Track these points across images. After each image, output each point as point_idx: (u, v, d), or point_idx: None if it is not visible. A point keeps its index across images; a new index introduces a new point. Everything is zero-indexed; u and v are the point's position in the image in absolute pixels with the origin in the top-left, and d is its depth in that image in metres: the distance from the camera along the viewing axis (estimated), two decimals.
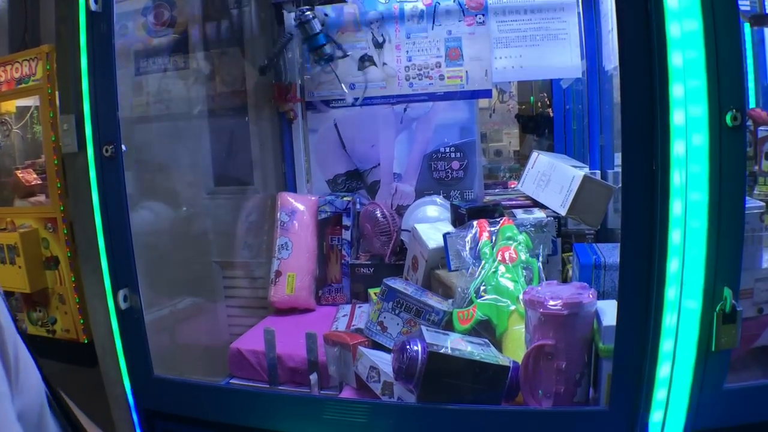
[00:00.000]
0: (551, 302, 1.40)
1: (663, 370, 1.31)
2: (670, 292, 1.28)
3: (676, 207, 1.26)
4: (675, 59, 1.24)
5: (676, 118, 1.25)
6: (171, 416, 1.75)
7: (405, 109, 2.53)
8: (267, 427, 1.61)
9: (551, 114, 2.73)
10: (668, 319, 1.29)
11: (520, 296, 1.66)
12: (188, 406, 1.73)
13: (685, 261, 1.27)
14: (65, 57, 1.67)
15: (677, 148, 1.25)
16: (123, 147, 1.65)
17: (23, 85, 2.37)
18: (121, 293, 1.67)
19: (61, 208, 2.34)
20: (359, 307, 2.28)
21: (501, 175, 3.16)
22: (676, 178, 1.26)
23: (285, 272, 2.42)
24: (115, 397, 1.80)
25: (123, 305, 1.68)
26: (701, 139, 1.24)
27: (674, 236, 1.27)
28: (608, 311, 1.43)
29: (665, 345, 1.30)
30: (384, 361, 1.63)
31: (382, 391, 1.59)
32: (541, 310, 1.40)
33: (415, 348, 1.42)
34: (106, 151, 1.63)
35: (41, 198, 2.53)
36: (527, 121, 3.56)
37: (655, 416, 1.33)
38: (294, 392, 1.89)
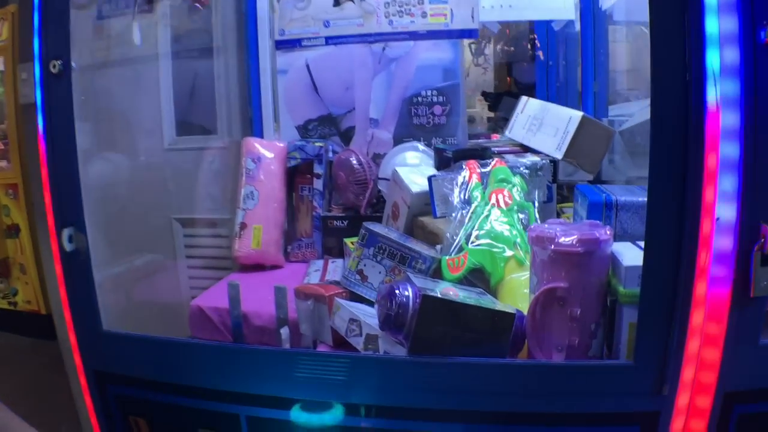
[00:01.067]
0: (564, 238, 1.21)
1: (696, 319, 1.14)
2: (705, 227, 1.11)
3: (712, 126, 1.09)
4: None
5: (709, 26, 1.08)
6: (124, 378, 1.53)
7: (383, 49, 2.32)
8: (232, 388, 1.41)
9: (538, 57, 2.54)
10: (702, 258, 1.11)
11: (517, 241, 1.49)
12: (142, 365, 1.51)
13: (718, 193, 1.10)
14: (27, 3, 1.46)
15: (712, 59, 1.08)
16: (72, 65, 1.43)
17: None
18: (65, 233, 1.45)
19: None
20: (332, 262, 2.08)
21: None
22: (711, 94, 1.07)
23: (251, 224, 2.20)
24: (71, 366, 1.59)
25: (68, 246, 1.45)
26: (734, 56, 1.08)
27: (710, 161, 1.09)
28: (626, 253, 1.27)
29: (699, 288, 1.12)
30: (366, 313, 1.44)
31: (364, 345, 1.39)
32: (552, 247, 1.22)
33: (406, 293, 1.22)
34: (53, 66, 1.42)
35: (2, 164, 2.32)
36: (494, 98, 3.41)
37: (686, 373, 1.16)
38: (263, 347, 1.68)
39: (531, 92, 2.61)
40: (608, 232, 1.26)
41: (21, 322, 3.06)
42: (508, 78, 3.74)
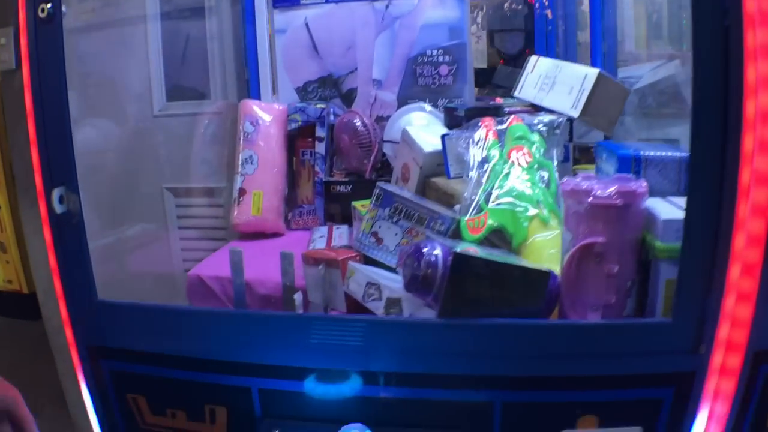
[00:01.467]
0: (601, 191, 1.14)
1: (733, 274, 1.08)
2: (744, 177, 1.05)
3: (750, 74, 1.03)
4: None
5: None
6: (120, 352, 1.43)
7: (386, 7, 2.23)
8: (242, 359, 1.32)
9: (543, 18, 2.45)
10: (742, 210, 1.06)
11: (540, 199, 1.42)
12: (141, 337, 1.41)
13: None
14: None
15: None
16: (63, 9, 1.33)
17: None
18: (56, 193, 1.34)
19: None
20: (337, 228, 1.99)
21: None
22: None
23: (250, 190, 2.11)
24: (58, 345, 1.48)
25: (58, 208, 1.35)
26: None
27: (749, 108, 1.03)
28: (660, 208, 1.21)
29: (738, 242, 1.07)
30: (384, 277, 1.36)
31: (386, 310, 1.31)
32: (590, 200, 1.15)
33: (435, 252, 1.15)
34: (42, 11, 1.31)
35: None
36: (478, 74, 3.31)
37: (722, 331, 1.11)
38: (276, 313, 1.59)
39: (517, 63, 2.53)
40: (644, 186, 1.20)
41: (1, 302, 2.97)
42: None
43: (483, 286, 1.14)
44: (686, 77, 1.96)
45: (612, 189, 1.15)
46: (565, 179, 1.26)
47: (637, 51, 2.52)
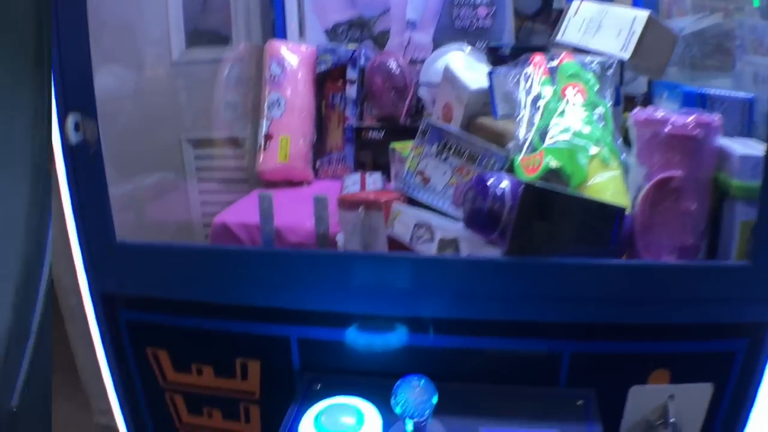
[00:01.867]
0: (679, 120, 1.06)
1: None
2: None
3: None
4: None
5: None
6: (140, 301, 1.31)
7: None
8: (275, 304, 1.22)
9: None
10: None
11: (599, 137, 1.32)
12: (163, 283, 1.28)
13: None
14: None
15: None
16: None
17: None
18: (71, 119, 1.20)
19: None
20: (370, 175, 1.90)
21: None
22: None
23: (277, 135, 2.02)
24: (69, 306, 1.36)
25: (74, 137, 1.20)
26: None
27: None
28: (733, 145, 1.13)
29: None
30: (435, 217, 1.27)
31: (439, 251, 1.22)
32: (667, 129, 1.08)
33: (501, 185, 1.06)
34: None
35: None
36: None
37: None
38: (319, 251, 1.47)
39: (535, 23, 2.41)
40: (718, 119, 1.12)
41: None
42: None
43: (555, 222, 1.05)
44: (729, 29, 1.87)
45: (690, 119, 1.06)
46: (636, 109, 1.17)
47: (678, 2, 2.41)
